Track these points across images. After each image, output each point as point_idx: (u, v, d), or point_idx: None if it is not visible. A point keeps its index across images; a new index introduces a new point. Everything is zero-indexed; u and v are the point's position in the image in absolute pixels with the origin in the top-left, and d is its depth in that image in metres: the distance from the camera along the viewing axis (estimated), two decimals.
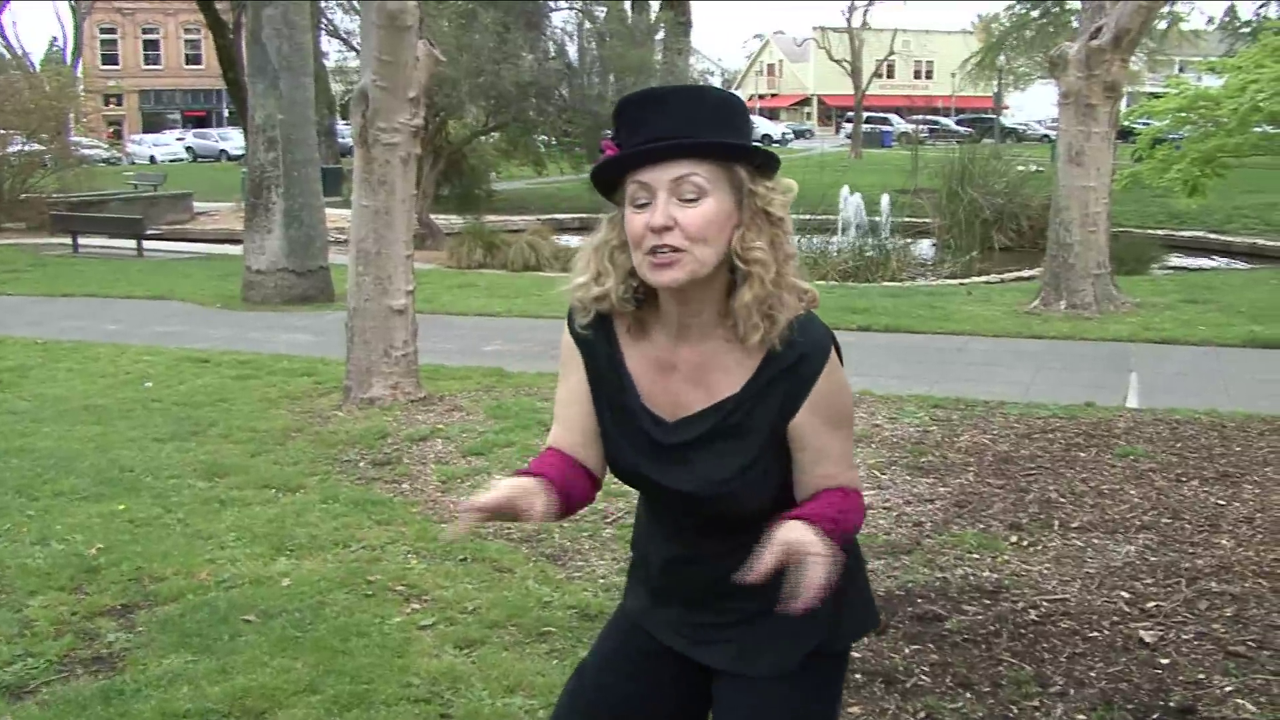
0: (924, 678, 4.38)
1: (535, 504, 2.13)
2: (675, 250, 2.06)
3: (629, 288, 2.19)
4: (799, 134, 72.99)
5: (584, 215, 26.24)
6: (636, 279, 2.17)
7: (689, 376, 2.23)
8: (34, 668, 4.50)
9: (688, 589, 2.38)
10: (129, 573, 5.47)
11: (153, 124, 75.47)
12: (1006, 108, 68.38)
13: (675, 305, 2.17)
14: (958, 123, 69.58)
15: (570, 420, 2.37)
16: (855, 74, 59.82)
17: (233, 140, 57.58)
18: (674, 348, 2.22)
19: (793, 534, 2.05)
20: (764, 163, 2.13)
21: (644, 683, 2.47)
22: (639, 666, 2.48)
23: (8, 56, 51.80)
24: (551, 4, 27.71)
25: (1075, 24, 20.36)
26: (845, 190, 22.72)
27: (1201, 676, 4.34)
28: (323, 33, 32.76)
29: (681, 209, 2.06)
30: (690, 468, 2.22)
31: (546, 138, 27.86)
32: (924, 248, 22.49)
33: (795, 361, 2.15)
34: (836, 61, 62.74)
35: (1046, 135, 56.49)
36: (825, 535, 2.06)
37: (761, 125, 75.70)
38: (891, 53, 65.21)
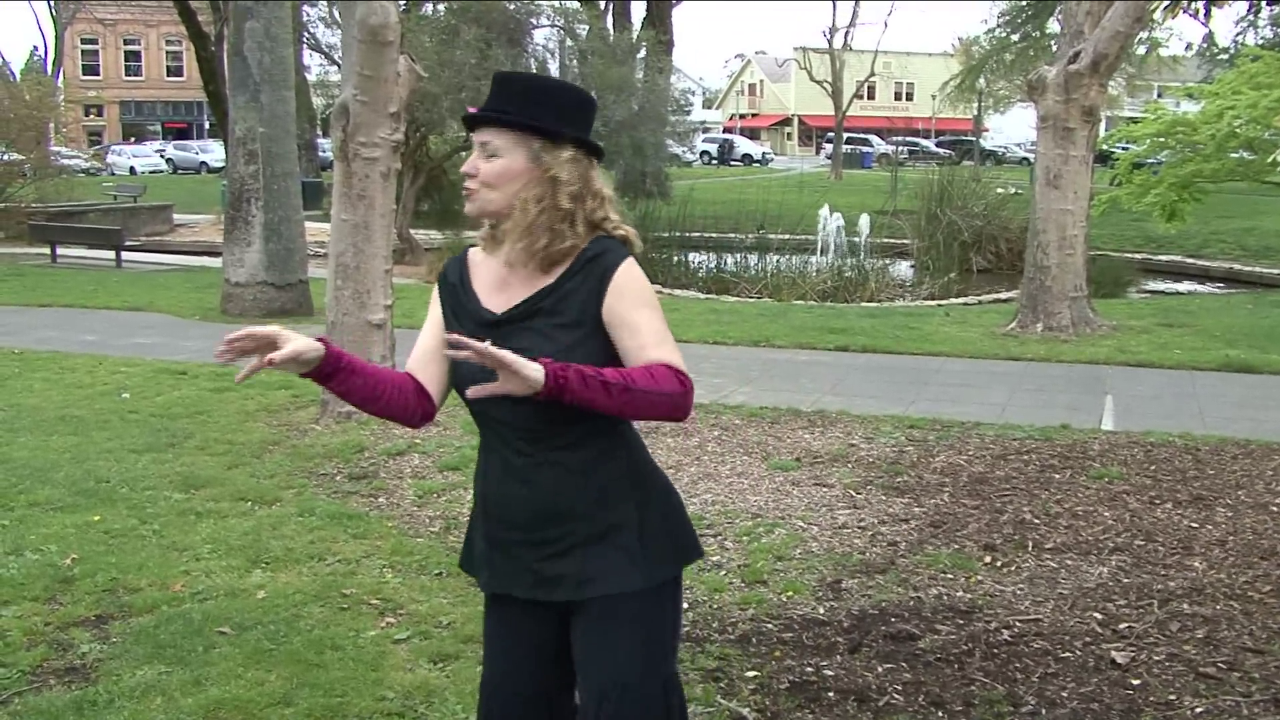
0: (897, 697, 4.39)
1: (296, 341, 2.70)
2: (471, 190, 2.77)
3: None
4: (740, 157, 72.73)
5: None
6: None
7: (516, 285, 2.78)
8: (6, 678, 4.49)
9: (519, 514, 2.77)
10: (104, 583, 5.46)
11: (133, 135, 75.29)
12: (986, 130, 68.58)
13: (501, 234, 2.80)
14: (937, 144, 69.85)
15: (418, 347, 2.91)
16: (836, 95, 59.92)
17: (213, 152, 57.56)
18: (507, 268, 2.79)
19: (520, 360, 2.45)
20: (551, 138, 2.72)
21: (529, 645, 2.90)
22: (519, 635, 2.91)
23: None
24: (533, 21, 27.71)
25: (1054, 48, 20.49)
26: (825, 211, 22.81)
27: (1173, 697, 4.36)
28: (305, 46, 32.78)
29: (484, 162, 2.76)
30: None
31: None
32: (902, 269, 22.58)
33: (598, 253, 2.71)
34: (817, 82, 62.79)
35: (1025, 158, 56.73)
36: (564, 375, 2.45)
37: (742, 145, 76.02)
38: (872, 74, 65.36)
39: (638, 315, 2.68)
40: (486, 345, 2.40)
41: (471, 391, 2.51)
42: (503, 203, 2.75)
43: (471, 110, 2.83)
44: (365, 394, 2.77)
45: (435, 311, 2.92)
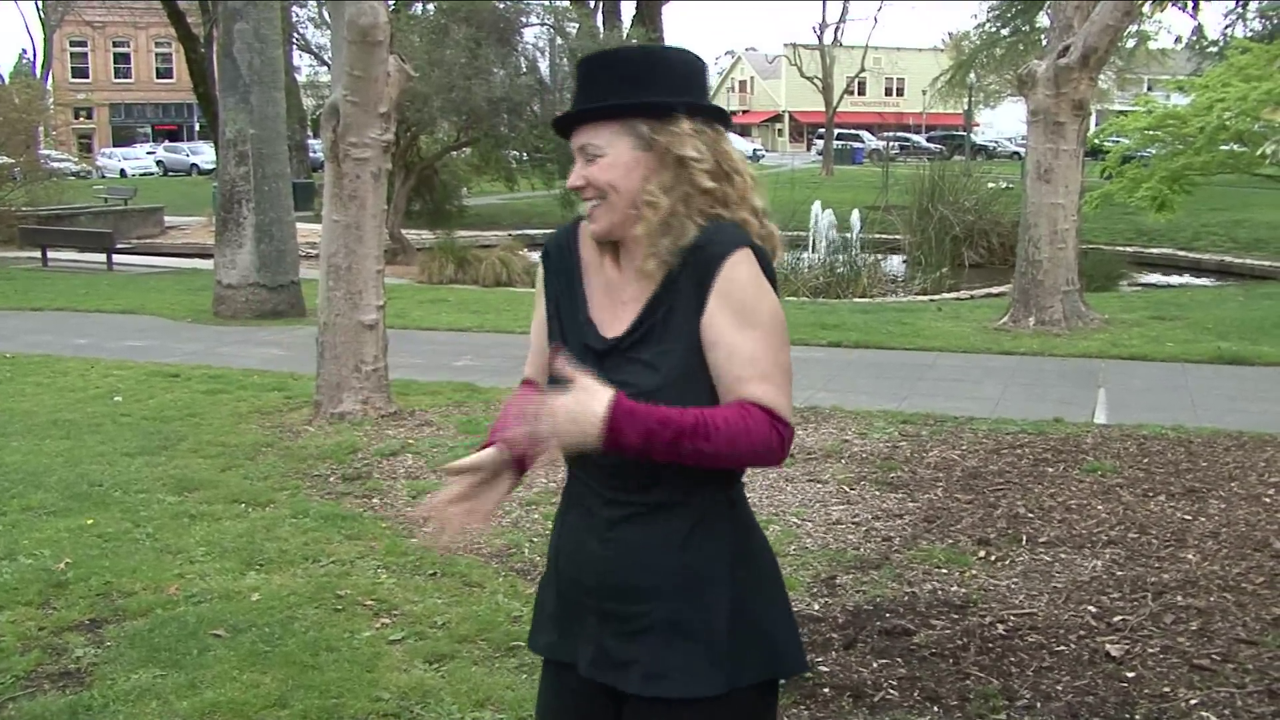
0: (892, 692, 4.40)
1: (494, 492, 2.37)
2: (597, 200, 2.30)
3: None
4: None
5: (555, 231, 26.25)
6: None
7: (629, 294, 2.33)
8: (0, 683, 4.48)
9: (590, 577, 2.33)
10: (97, 587, 5.45)
11: (123, 137, 75.20)
12: (977, 125, 68.62)
13: (634, 245, 2.33)
14: (928, 139, 69.86)
15: (533, 351, 2.55)
16: (826, 91, 59.89)
17: (204, 154, 57.46)
18: (621, 276, 2.36)
19: (589, 385, 2.11)
20: (661, 113, 2.28)
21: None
22: (574, 712, 2.45)
23: None
24: (523, 20, 27.70)
25: (1044, 43, 20.51)
26: (817, 207, 22.81)
27: (1167, 690, 4.37)
28: (294, 47, 32.73)
29: (589, 167, 2.30)
30: (621, 380, 2.20)
31: (518, 153, 27.80)
32: (894, 264, 22.60)
33: (703, 243, 2.24)
34: (808, 78, 62.77)
35: (1016, 152, 56.77)
36: (630, 418, 2.09)
37: (733, 141, 75.82)
38: (863, 70, 65.31)
39: (739, 335, 2.20)
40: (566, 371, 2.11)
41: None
42: (630, 204, 2.28)
43: (557, 113, 2.43)
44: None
45: (541, 309, 2.49)
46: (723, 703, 2.26)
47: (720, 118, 2.37)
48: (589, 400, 2.08)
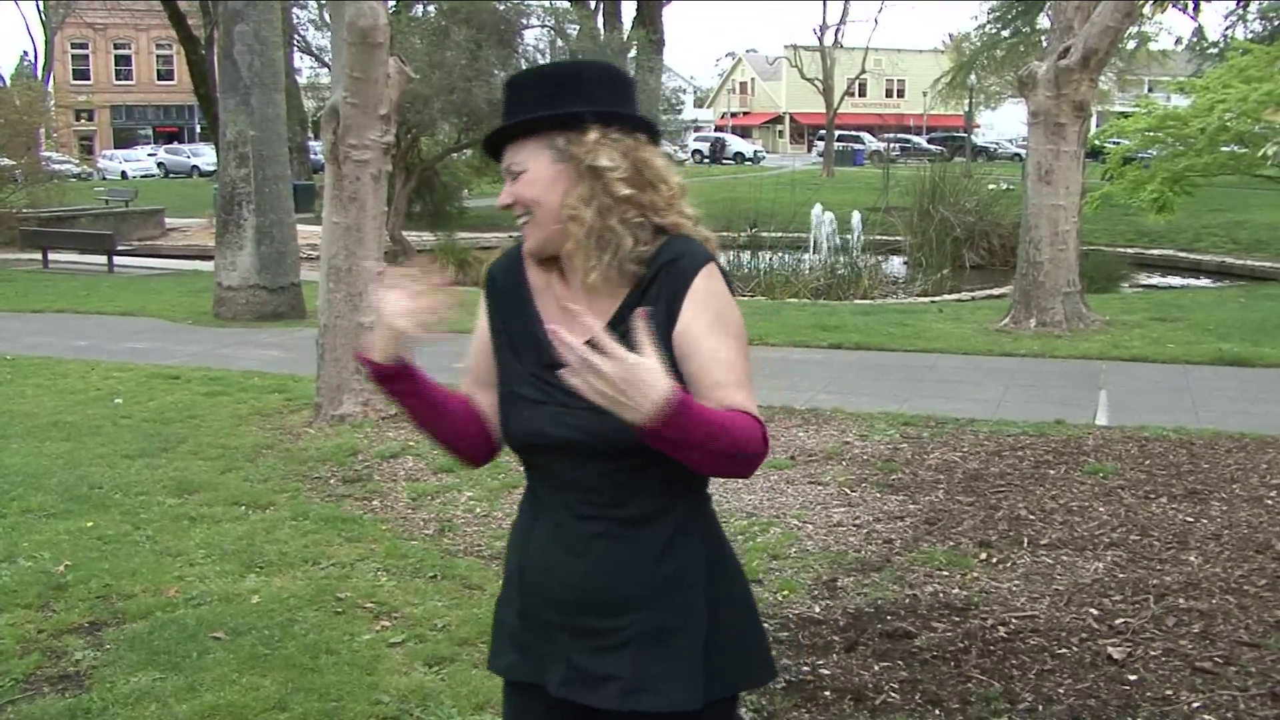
0: (893, 695, 4.39)
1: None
2: (525, 216, 2.31)
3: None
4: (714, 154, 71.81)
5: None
6: None
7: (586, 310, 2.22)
8: (0, 686, 4.47)
9: (563, 592, 2.28)
10: (97, 590, 5.44)
11: (124, 139, 75.24)
12: (977, 126, 68.63)
13: (570, 261, 2.33)
14: (929, 141, 69.87)
15: (471, 372, 2.50)
16: (827, 92, 59.88)
17: (204, 156, 57.43)
18: (570, 293, 2.34)
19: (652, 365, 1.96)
20: (574, 124, 2.27)
21: None
22: None
23: None
24: (524, 21, 27.71)
25: (1045, 44, 20.51)
26: (817, 208, 22.81)
27: (1169, 693, 4.36)
28: (295, 49, 32.77)
29: (516, 185, 2.31)
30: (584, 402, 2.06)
31: None
32: (895, 266, 22.59)
33: (674, 257, 2.25)
34: (808, 80, 62.79)
35: (1017, 154, 56.75)
36: (679, 409, 1.96)
37: (734, 143, 75.91)
38: (863, 71, 65.33)
39: (715, 343, 2.21)
40: (601, 336, 1.94)
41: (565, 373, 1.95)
42: (554, 219, 2.28)
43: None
44: (431, 408, 2.42)
45: (484, 326, 2.48)
46: (698, 716, 2.24)
47: (644, 128, 2.35)
48: (654, 377, 1.95)
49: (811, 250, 21.89)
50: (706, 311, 2.22)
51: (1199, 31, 38.74)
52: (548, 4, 29.57)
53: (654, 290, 2.23)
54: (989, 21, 46.36)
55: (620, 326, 2.14)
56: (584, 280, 2.28)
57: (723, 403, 2.14)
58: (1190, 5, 33.78)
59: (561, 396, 2.15)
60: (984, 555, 5.89)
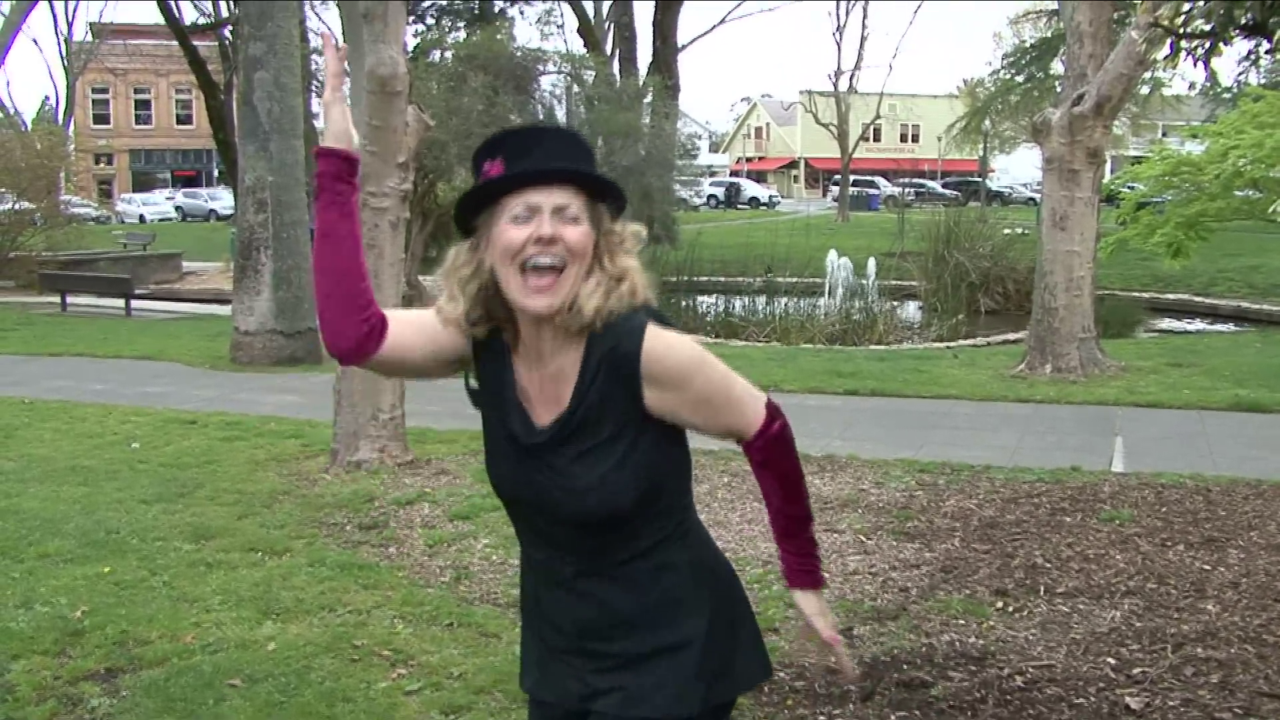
0: None
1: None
2: (555, 270, 2.23)
3: (478, 315, 2.35)
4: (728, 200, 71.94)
5: None
6: (483, 307, 2.34)
7: (547, 394, 2.35)
8: None
9: (566, 623, 2.44)
10: (114, 636, 5.45)
11: (143, 183, 75.74)
12: (992, 171, 68.72)
13: (535, 329, 2.32)
14: (944, 186, 70.00)
15: (419, 322, 2.41)
16: (842, 137, 60.02)
17: (222, 200, 57.88)
18: (530, 371, 2.36)
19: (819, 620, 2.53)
20: (619, 204, 2.34)
21: None
22: None
23: (0, 115, 51.99)
24: (540, 68, 27.88)
25: (1059, 89, 20.57)
26: (833, 254, 22.87)
27: None
28: (314, 95, 32.93)
29: (565, 226, 2.24)
30: (556, 473, 2.31)
31: None
32: (910, 311, 22.61)
33: (614, 344, 2.26)
34: (823, 125, 62.95)
35: (1032, 198, 56.81)
36: (814, 567, 2.57)
37: (749, 188, 76.11)
38: (878, 116, 65.44)
39: (693, 395, 2.30)
40: (842, 654, 2.55)
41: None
42: (579, 280, 2.27)
43: (527, 169, 2.28)
44: (350, 235, 2.37)
45: (432, 320, 2.40)
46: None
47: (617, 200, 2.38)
48: (826, 613, 2.55)
49: (827, 295, 21.92)
50: (669, 381, 2.28)
51: (1212, 77, 38.80)
52: (564, 50, 29.78)
53: (600, 381, 2.28)
54: (1003, 67, 46.55)
55: (576, 412, 2.29)
56: (551, 340, 2.31)
57: (727, 427, 2.38)
58: (1201, 58, 33.80)
59: (533, 467, 2.35)
60: (1000, 604, 5.87)
